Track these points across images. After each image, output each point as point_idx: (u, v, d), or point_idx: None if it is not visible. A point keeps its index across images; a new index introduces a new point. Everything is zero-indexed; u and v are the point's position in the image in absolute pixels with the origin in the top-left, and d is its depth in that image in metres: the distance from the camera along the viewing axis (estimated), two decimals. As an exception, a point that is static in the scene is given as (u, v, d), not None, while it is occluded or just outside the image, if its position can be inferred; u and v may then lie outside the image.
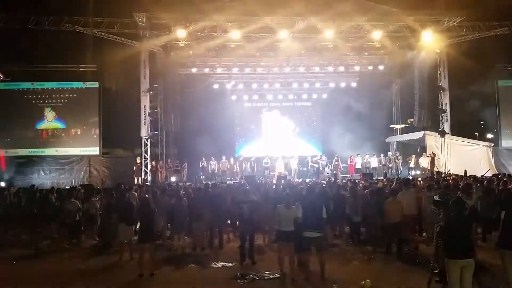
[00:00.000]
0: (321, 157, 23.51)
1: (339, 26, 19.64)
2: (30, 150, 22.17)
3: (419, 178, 16.52)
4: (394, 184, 12.13)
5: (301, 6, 18.32)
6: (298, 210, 7.77)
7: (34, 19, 19.55)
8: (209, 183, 14.15)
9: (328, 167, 22.97)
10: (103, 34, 19.81)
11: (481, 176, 15.15)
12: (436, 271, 7.37)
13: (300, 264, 7.95)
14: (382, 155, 23.25)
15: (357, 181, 15.86)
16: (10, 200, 13.26)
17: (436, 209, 7.41)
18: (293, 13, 18.55)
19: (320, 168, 22.81)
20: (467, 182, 11.35)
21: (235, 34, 19.05)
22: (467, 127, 24.46)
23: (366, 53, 22.94)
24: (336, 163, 22.59)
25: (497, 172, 18.60)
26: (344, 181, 16.14)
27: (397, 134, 25.21)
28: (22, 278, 8.45)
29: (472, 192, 9.81)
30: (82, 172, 21.95)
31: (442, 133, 20.72)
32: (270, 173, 22.41)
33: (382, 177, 19.13)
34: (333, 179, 18.61)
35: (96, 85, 22.57)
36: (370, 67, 24.65)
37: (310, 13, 18.61)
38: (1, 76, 22.07)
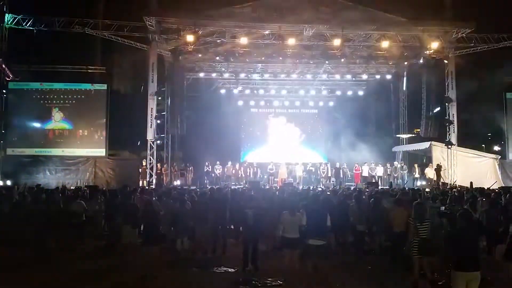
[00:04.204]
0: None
1: (347, 35, 19.69)
2: (37, 149, 22.27)
3: (427, 189, 16.43)
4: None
5: (310, 14, 18.40)
6: (302, 217, 7.76)
7: (45, 20, 19.76)
8: (214, 187, 14.16)
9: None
10: (112, 36, 19.98)
11: (488, 188, 15.03)
12: (440, 283, 7.35)
13: (303, 272, 7.92)
14: (388, 164, 23.17)
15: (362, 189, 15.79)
16: (15, 198, 13.30)
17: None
18: (301, 20, 18.61)
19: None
20: (473, 195, 11.27)
21: (243, 40, 19.13)
22: (474, 138, 24.32)
23: (374, 62, 22.96)
24: (323, 170, 22.77)
25: (503, 185, 18.46)
26: (341, 189, 16.10)
27: (404, 144, 25.12)
28: (25, 278, 8.46)
29: (478, 205, 9.75)
30: (88, 173, 22.04)
31: (449, 144, 20.61)
32: (275, 179, 22.41)
33: (387, 187, 19.07)
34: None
35: (104, 87, 22.68)
36: (378, 76, 24.67)
37: (318, 21, 18.67)
38: (11, 76, 22.26)
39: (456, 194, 13.05)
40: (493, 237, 8.65)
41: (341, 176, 23.02)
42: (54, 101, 22.64)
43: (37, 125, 22.39)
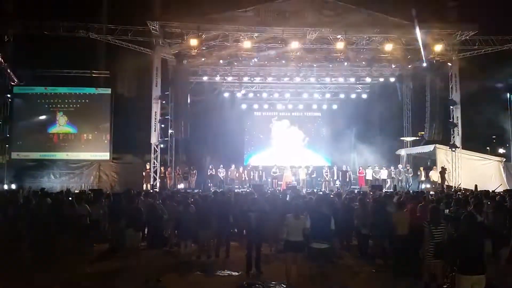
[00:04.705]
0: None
1: (350, 38, 19.69)
2: (41, 153, 22.38)
3: (431, 192, 16.37)
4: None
5: (313, 17, 18.44)
6: (306, 220, 7.74)
7: (49, 25, 19.89)
8: (218, 190, 14.17)
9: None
10: (116, 41, 20.09)
11: (493, 191, 14.95)
12: (445, 286, 7.30)
13: (307, 275, 7.89)
14: (392, 167, 23.10)
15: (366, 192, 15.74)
16: (20, 202, 13.34)
17: (426, 225, 7.26)
18: (304, 24, 18.63)
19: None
20: (478, 198, 11.20)
21: (246, 44, 19.17)
22: (479, 141, 24.21)
23: (377, 65, 22.93)
24: (326, 173, 22.73)
25: (508, 188, 18.35)
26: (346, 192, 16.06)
27: (408, 147, 25.04)
28: (28, 282, 8.49)
29: (483, 208, 9.68)
30: (92, 177, 22.11)
31: (453, 147, 20.52)
32: (279, 182, 22.38)
33: (391, 190, 19.00)
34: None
35: (108, 91, 22.80)
36: (381, 79, 24.62)
37: (321, 24, 18.68)
38: (15, 80, 22.42)
39: (460, 197, 12.98)
40: (498, 240, 8.60)
41: (347, 179, 22.97)
42: (59, 105, 22.78)
43: (41, 129, 22.51)
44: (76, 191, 17.38)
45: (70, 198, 12.94)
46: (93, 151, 22.52)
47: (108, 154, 22.48)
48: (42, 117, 22.54)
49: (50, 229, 10.61)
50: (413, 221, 9.31)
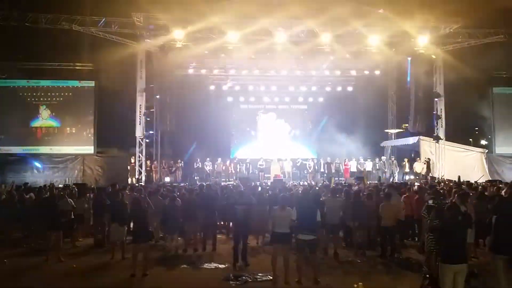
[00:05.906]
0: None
1: (336, 30, 19.72)
2: (24, 148, 22.00)
3: (416, 183, 16.57)
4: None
5: (299, 9, 18.36)
6: (293, 212, 7.78)
7: (31, 17, 19.48)
8: (204, 184, 14.14)
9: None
10: (100, 33, 19.77)
11: (475, 182, 15.23)
12: (429, 275, 7.42)
13: (293, 267, 7.94)
14: (377, 159, 23.33)
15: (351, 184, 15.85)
16: (4, 196, 13.13)
17: (426, 214, 7.41)
18: (290, 16, 18.60)
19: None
20: (462, 189, 11.37)
21: (232, 36, 19.05)
22: (462, 133, 24.57)
23: (363, 58, 23.00)
24: (309, 165, 22.95)
25: (490, 178, 18.70)
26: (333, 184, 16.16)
27: (392, 139, 25.29)
28: (13, 276, 8.39)
29: (467, 198, 9.84)
30: (76, 171, 21.82)
31: (437, 139, 20.81)
32: (265, 175, 22.42)
33: (376, 181, 19.20)
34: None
35: (92, 84, 22.45)
36: (366, 72, 24.70)
37: (307, 17, 18.67)
38: (-3, 73, 21.97)
39: (444, 187, 13.19)
40: (481, 230, 8.77)
41: (333, 171, 23.10)
42: (41, 99, 22.37)
43: (24, 122, 22.10)
44: (60, 186, 17.16)
45: (54, 193, 12.75)
46: (77, 145, 22.21)
47: (92, 147, 22.20)
48: (25, 111, 22.11)
49: (34, 224, 10.46)
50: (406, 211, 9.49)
